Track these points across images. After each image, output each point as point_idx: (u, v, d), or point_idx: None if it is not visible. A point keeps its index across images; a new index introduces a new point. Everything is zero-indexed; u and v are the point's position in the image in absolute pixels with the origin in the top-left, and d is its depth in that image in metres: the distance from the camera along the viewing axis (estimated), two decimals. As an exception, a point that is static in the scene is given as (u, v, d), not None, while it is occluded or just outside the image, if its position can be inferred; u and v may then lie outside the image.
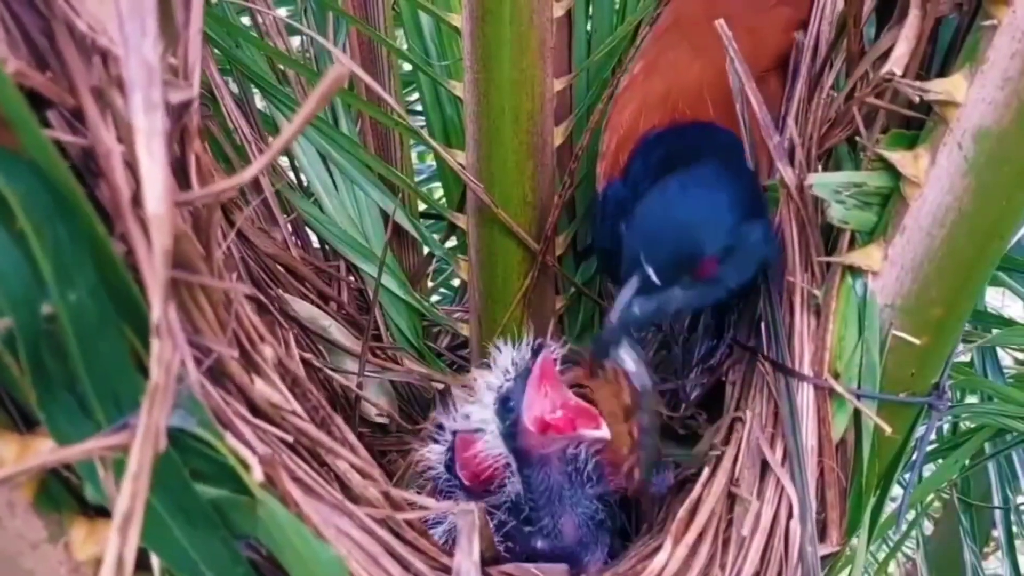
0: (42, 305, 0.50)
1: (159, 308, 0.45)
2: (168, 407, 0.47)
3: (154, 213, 0.45)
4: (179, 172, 0.58)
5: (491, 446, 0.99)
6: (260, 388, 0.66)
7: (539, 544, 1.00)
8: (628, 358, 1.01)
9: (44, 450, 0.55)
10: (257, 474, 0.59)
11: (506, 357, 1.03)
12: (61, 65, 0.51)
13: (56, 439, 0.54)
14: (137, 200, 0.48)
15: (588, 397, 1.03)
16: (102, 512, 0.61)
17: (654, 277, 0.93)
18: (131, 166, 0.49)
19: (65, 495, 0.61)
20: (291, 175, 1.42)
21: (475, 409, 1.01)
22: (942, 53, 0.91)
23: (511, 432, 0.97)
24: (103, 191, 0.53)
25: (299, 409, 0.70)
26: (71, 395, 0.53)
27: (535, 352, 1.02)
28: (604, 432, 0.93)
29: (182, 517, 0.59)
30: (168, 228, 0.45)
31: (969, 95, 0.83)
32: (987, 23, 0.81)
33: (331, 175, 1.37)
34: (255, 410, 0.67)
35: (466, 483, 1.05)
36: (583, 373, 1.05)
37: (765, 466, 0.96)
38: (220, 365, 0.62)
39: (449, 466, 1.07)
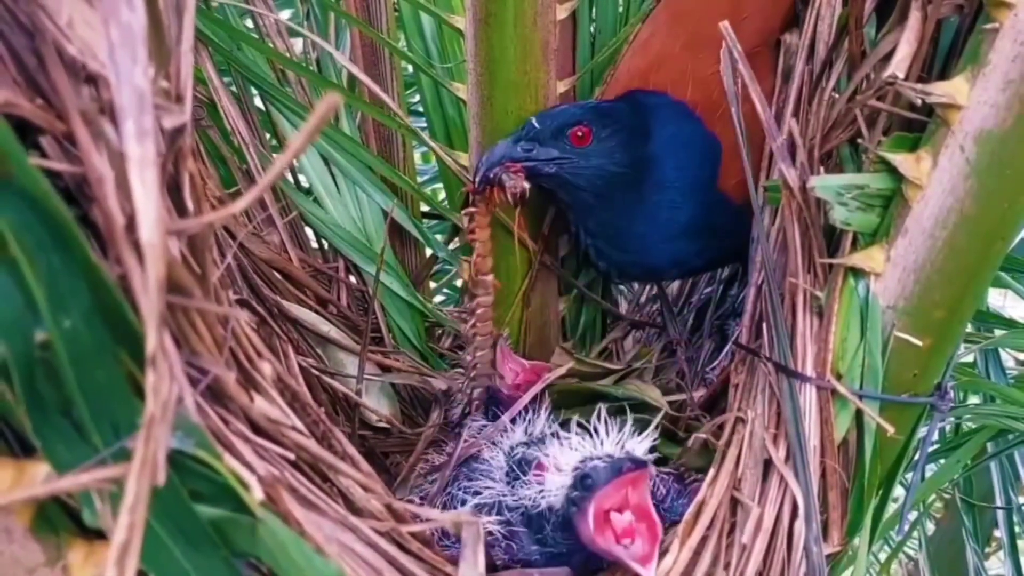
0: (36, 332, 0.50)
1: (154, 339, 0.45)
2: (165, 439, 0.47)
3: (148, 242, 0.45)
4: (174, 193, 0.57)
5: (552, 500, 1.00)
6: (259, 405, 0.66)
7: (536, 556, 1.00)
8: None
9: (40, 476, 0.55)
10: (257, 493, 0.59)
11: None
12: (52, 89, 0.51)
13: (53, 465, 0.54)
14: (131, 226, 0.48)
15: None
16: (101, 533, 0.61)
17: (536, 123, 1.17)
18: (124, 191, 0.49)
19: (63, 517, 0.60)
20: (290, 175, 1.42)
21: (551, 478, 1.01)
22: (943, 55, 0.90)
23: (575, 503, 0.96)
24: (97, 215, 0.52)
25: (299, 424, 0.70)
26: (67, 420, 0.53)
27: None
28: (647, 572, 0.91)
29: (182, 538, 0.59)
30: (162, 257, 0.45)
31: (971, 98, 0.83)
32: (989, 26, 0.81)
33: (332, 176, 1.36)
34: (255, 428, 0.66)
35: (505, 391, 1.19)
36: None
37: (768, 466, 0.96)
38: (219, 385, 0.62)
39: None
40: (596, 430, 0.99)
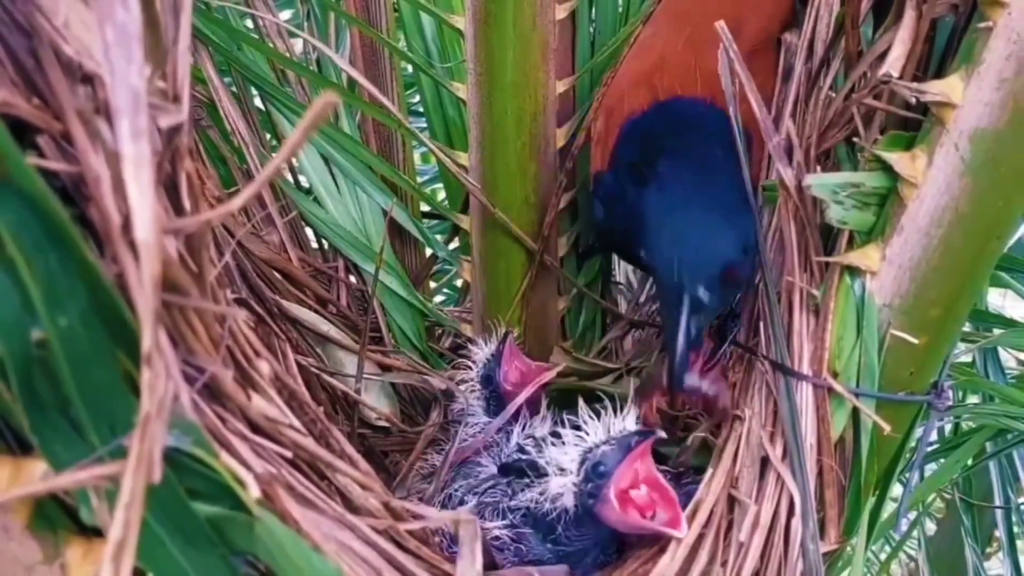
0: (33, 331, 0.50)
1: (149, 338, 0.46)
2: (161, 437, 0.47)
3: (143, 241, 0.45)
4: (171, 192, 0.58)
5: (563, 501, 1.00)
6: (257, 404, 0.66)
7: (548, 556, 1.01)
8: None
9: (37, 474, 0.55)
10: (254, 491, 0.59)
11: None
12: (49, 89, 0.51)
13: (50, 463, 0.54)
14: (127, 226, 0.48)
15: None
16: (99, 531, 0.61)
17: (703, 296, 0.97)
18: (121, 191, 0.49)
19: (61, 515, 0.61)
20: (289, 175, 1.42)
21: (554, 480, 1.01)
22: (938, 54, 0.91)
23: (592, 494, 0.96)
24: (94, 214, 0.53)
25: (297, 423, 0.70)
26: (64, 419, 0.53)
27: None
28: (681, 532, 0.92)
29: (179, 536, 0.59)
30: (157, 257, 0.46)
31: (966, 96, 0.83)
32: (983, 25, 0.81)
33: (332, 175, 1.37)
34: (253, 426, 0.67)
35: (508, 388, 1.17)
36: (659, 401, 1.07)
37: (764, 464, 0.96)
38: (216, 383, 0.62)
39: (489, 376, 1.20)
40: (585, 422, 1.00)
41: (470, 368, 1.23)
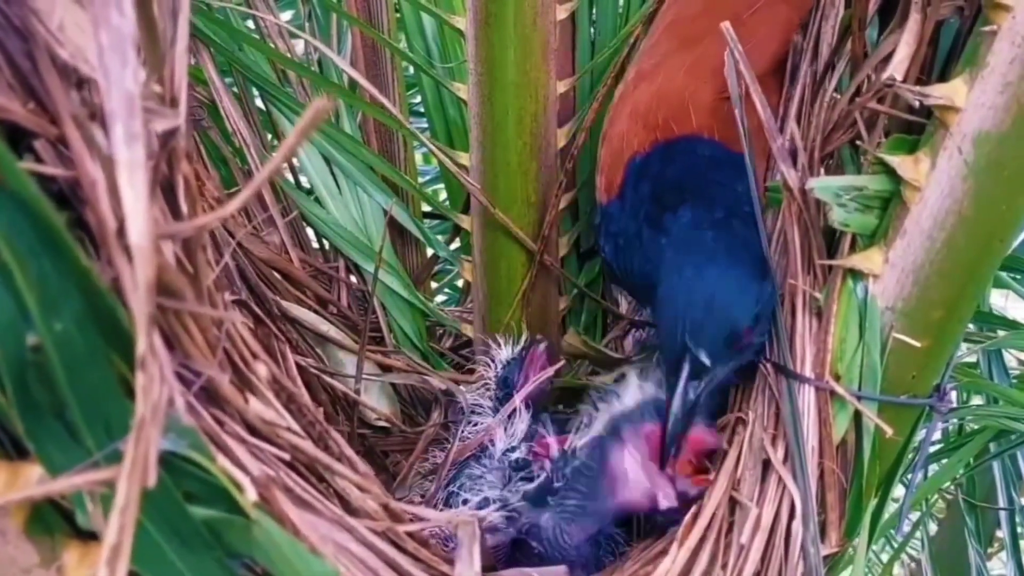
0: (27, 336, 0.50)
1: (144, 342, 0.45)
2: (156, 441, 0.47)
3: (136, 246, 0.45)
4: (168, 195, 0.57)
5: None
6: (255, 407, 0.66)
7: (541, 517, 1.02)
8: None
9: (33, 478, 0.55)
10: (251, 494, 0.59)
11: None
12: (44, 93, 0.51)
13: (46, 467, 0.54)
14: (122, 230, 0.48)
15: None
16: (95, 535, 0.61)
17: (706, 360, 0.96)
18: (116, 195, 0.49)
19: (57, 519, 0.60)
20: (290, 175, 1.42)
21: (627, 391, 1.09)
22: (942, 58, 0.91)
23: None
24: (89, 218, 0.52)
25: (295, 426, 0.70)
26: (60, 423, 0.53)
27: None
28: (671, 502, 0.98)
29: (176, 539, 0.59)
30: (151, 261, 0.45)
31: (969, 100, 0.83)
32: (987, 28, 0.81)
33: (333, 176, 1.36)
34: (251, 429, 0.66)
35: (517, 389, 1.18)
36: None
37: (767, 467, 0.96)
38: (213, 386, 0.62)
39: (507, 378, 1.20)
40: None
41: (489, 366, 1.23)
